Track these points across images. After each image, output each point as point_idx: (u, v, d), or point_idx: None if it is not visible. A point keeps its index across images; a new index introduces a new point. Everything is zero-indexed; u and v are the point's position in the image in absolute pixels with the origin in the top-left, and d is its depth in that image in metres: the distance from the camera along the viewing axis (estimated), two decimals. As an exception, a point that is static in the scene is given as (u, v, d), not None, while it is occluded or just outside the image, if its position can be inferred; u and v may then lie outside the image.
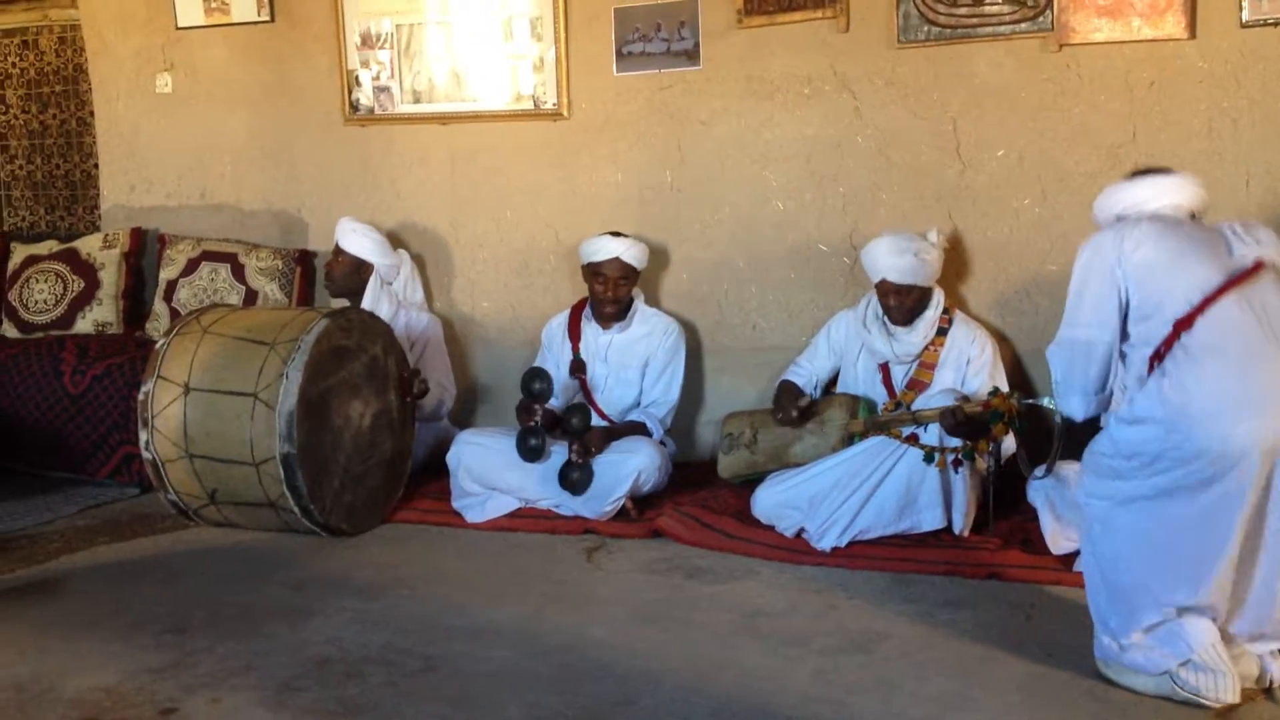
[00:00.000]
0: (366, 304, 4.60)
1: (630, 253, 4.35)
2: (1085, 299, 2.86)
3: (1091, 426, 2.98)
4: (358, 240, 4.72)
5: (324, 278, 4.94)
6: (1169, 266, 2.74)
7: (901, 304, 4.02)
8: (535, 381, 4.12)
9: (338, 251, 4.74)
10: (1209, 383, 2.59)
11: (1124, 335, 2.82)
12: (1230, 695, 2.60)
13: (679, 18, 4.65)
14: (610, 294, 4.37)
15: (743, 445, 4.20)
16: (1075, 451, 3.89)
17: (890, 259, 3.97)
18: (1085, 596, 2.83)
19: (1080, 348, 2.86)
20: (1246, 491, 2.53)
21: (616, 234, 4.42)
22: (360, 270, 4.71)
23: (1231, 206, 3.91)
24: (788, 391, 4.18)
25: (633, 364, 4.44)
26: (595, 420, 4.27)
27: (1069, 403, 2.95)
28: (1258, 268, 2.72)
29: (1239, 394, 2.56)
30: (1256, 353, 2.61)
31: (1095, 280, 2.83)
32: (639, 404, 4.44)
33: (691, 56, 4.65)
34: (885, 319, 4.09)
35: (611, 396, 4.44)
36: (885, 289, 4.02)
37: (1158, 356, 2.68)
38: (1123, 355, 2.85)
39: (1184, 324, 2.66)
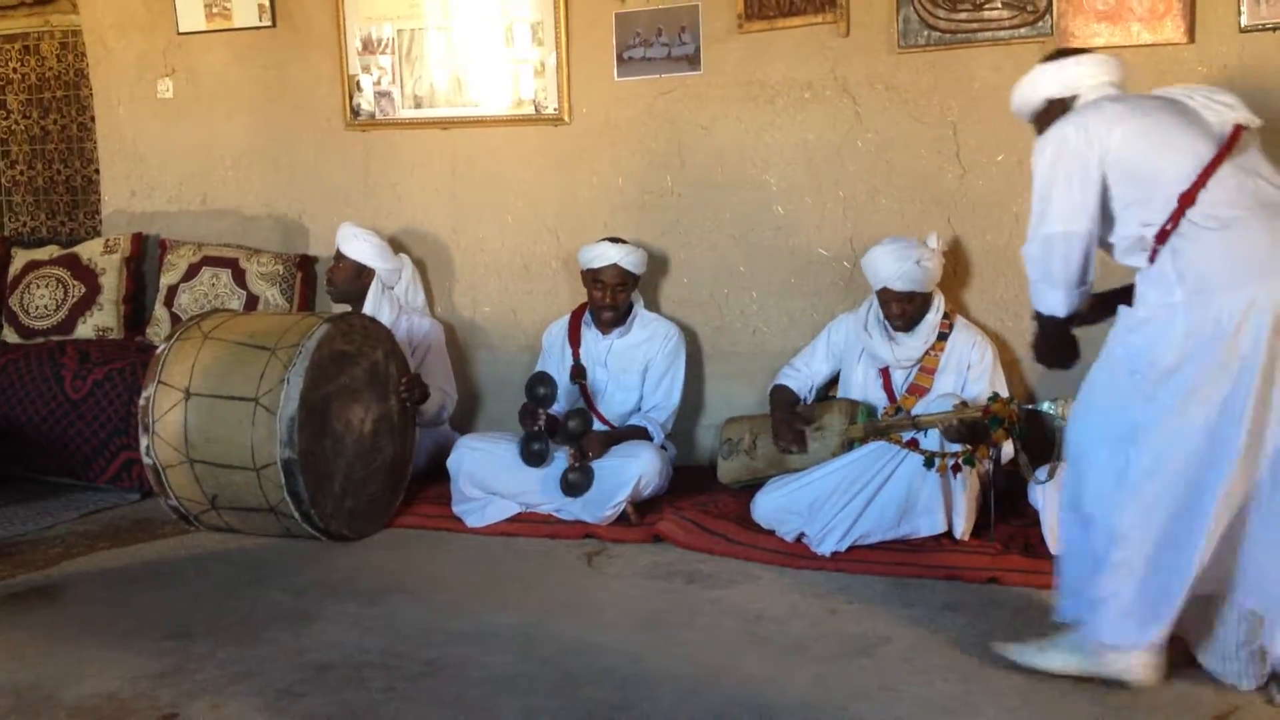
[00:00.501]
0: (368, 309, 4.60)
1: (628, 259, 4.36)
2: (1054, 193, 2.68)
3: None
4: (359, 245, 4.72)
5: (325, 283, 4.94)
6: (1154, 143, 2.65)
7: (904, 311, 4.02)
8: (540, 386, 4.12)
9: (339, 257, 4.74)
10: (1221, 252, 2.54)
11: (1108, 228, 2.69)
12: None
13: (679, 23, 4.66)
14: (609, 300, 4.37)
15: (742, 450, 4.20)
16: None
17: (892, 267, 3.97)
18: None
19: (1058, 241, 2.69)
20: (1256, 375, 2.47)
21: (615, 240, 4.43)
22: (361, 275, 4.71)
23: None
24: (784, 407, 4.18)
25: (633, 369, 4.44)
26: (596, 425, 4.28)
27: (1050, 299, 2.78)
28: (1238, 133, 2.67)
29: (1252, 260, 2.52)
30: (1264, 217, 2.56)
31: (1064, 172, 2.68)
32: (640, 409, 4.44)
33: (692, 61, 4.66)
34: (887, 324, 4.10)
35: (612, 401, 4.44)
36: (888, 296, 4.03)
37: (1163, 236, 2.59)
38: (1109, 248, 2.72)
39: (1187, 199, 2.58)
